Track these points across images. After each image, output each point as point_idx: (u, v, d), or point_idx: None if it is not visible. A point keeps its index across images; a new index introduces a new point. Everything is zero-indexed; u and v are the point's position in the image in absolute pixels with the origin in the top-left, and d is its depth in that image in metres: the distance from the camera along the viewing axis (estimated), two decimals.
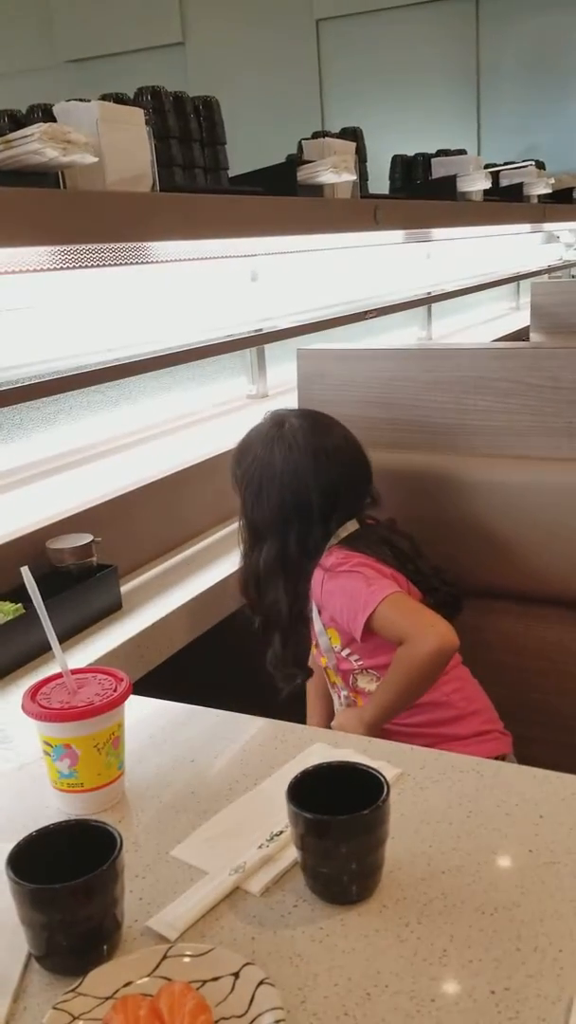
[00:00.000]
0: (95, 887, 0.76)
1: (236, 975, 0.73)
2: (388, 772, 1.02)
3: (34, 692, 1.01)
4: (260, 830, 0.94)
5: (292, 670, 1.62)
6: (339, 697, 1.58)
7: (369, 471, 1.56)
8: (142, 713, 1.21)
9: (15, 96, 2.22)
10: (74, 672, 1.04)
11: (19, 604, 1.38)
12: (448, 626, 1.36)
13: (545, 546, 1.61)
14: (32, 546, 1.55)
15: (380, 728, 1.43)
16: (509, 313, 4.76)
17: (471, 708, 1.51)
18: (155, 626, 1.54)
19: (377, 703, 1.44)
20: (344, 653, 1.49)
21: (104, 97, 1.86)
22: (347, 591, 1.43)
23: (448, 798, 0.99)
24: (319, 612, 1.51)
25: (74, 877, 0.75)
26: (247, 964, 0.74)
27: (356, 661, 1.49)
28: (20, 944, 0.79)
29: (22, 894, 0.76)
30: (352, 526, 1.53)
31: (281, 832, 0.93)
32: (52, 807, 1.02)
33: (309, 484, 1.50)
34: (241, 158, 2.39)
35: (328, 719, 1.66)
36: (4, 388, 1.59)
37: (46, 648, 1.04)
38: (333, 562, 1.47)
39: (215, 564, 1.80)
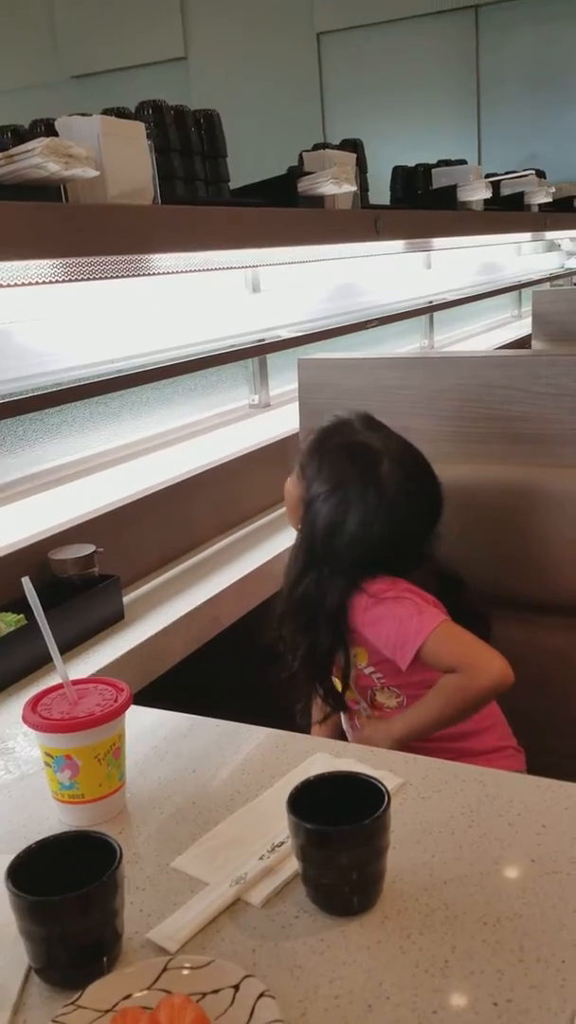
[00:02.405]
0: (95, 899, 0.76)
1: (236, 987, 0.73)
2: (390, 782, 1.02)
3: (35, 703, 1.01)
4: (261, 841, 0.94)
5: (330, 709, 1.55)
6: (352, 716, 1.54)
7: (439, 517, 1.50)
8: (144, 723, 1.21)
9: (22, 111, 2.24)
10: (75, 683, 1.04)
11: (21, 615, 1.39)
12: (505, 661, 1.33)
13: (549, 554, 1.60)
14: (34, 557, 1.55)
15: (406, 745, 1.38)
16: (511, 321, 4.76)
17: (486, 723, 1.47)
18: (157, 636, 1.54)
19: (412, 722, 1.39)
20: (368, 671, 1.46)
21: (106, 111, 1.87)
22: (395, 618, 1.37)
23: (450, 808, 0.98)
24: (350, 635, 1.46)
25: (74, 889, 0.75)
26: (247, 976, 0.73)
27: (379, 679, 1.46)
28: (20, 957, 0.79)
29: (21, 906, 0.75)
30: None
31: (282, 843, 0.92)
32: (53, 818, 1.02)
33: (393, 537, 1.42)
34: (244, 170, 2.40)
35: (334, 729, 1.65)
36: (7, 400, 1.60)
37: (48, 659, 1.04)
38: (378, 588, 1.40)
39: (218, 574, 1.79)
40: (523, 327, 4.23)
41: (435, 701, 1.37)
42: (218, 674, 1.72)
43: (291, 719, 1.52)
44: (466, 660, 1.34)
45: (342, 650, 1.44)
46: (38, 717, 0.98)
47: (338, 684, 1.49)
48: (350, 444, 1.45)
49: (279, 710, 1.53)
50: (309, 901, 0.85)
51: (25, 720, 0.99)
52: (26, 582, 1.03)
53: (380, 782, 0.87)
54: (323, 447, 1.46)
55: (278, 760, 1.11)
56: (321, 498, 1.42)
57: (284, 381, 2.59)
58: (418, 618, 1.36)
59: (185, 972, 0.74)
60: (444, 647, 1.35)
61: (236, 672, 1.76)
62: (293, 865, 0.88)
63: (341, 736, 1.58)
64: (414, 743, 1.39)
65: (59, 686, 1.04)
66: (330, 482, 1.42)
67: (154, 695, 1.47)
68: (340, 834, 0.81)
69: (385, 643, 1.39)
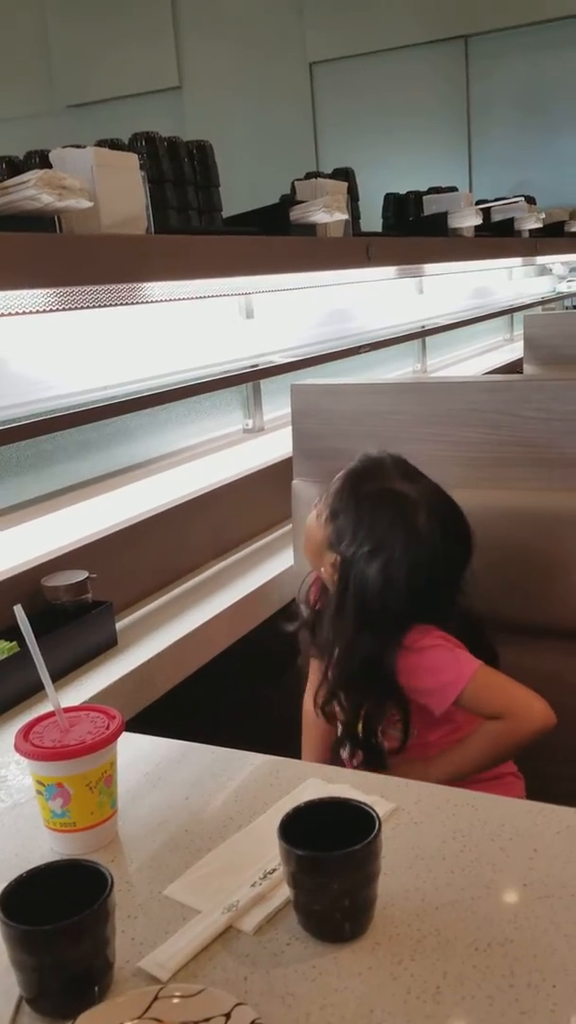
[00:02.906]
0: (85, 927, 0.76)
1: (227, 1016, 0.73)
2: (382, 807, 1.02)
3: (27, 731, 1.02)
4: (253, 868, 0.94)
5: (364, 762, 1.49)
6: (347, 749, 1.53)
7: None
8: (136, 750, 1.21)
9: (17, 141, 2.27)
10: (67, 710, 1.04)
11: (14, 642, 1.39)
12: (545, 703, 1.33)
13: (540, 576, 1.61)
14: (27, 583, 1.55)
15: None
16: (503, 345, 4.79)
17: None
18: (151, 662, 1.54)
19: (454, 767, 1.38)
20: None
21: (100, 143, 1.90)
22: (432, 667, 1.36)
23: (442, 833, 0.99)
24: None
25: (66, 918, 0.75)
26: (238, 1004, 0.73)
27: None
28: (11, 987, 0.79)
29: (12, 936, 0.75)
30: None
31: (275, 870, 0.92)
32: (45, 847, 1.02)
33: (435, 585, 1.40)
34: (238, 198, 2.43)
35: (326, 754, 1.65)
36: (1, 427, 1.61)
37: (41, 687, 1.04)
38: (412, 638, 1.38)
39: (211, 599, 1.80)
40: (515, 351, 4.26)
41: (478, 745, 1.37)
42: (212, 699, 1.72)
43: (285, 745, 1.52)
44: (509, 706, 1.34)
45: (398, 705, 1.40)
46: (30, 745, 0.98)
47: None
48: (386, 493, 1.40)
49: (274, 736, 1.53)
50: (301, 928, 0.85)
51: (17, 748, 0.99)
52: (18, 610, 1.04)
53: (371, 808, 0.87)
54: (358, 494, 1.41)
55: (271, 786, 1.11)
56: (363, 559, 1.37)
57: (279, 406, 2.61)
58: (456, 664, 1.36)
59: (176, 1001, 0.74)
60: (485, 693, 1.35)
61: (231, 697, 1.76)
62: (285, 892, 0.88)
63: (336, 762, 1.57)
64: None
65: (51, 714, 1.04)
66: (371, 540, 1.37)
67: (148, 721, 1.47)
68: (331, 860, 0.82)
69: (422, 691, 1.38)
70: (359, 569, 1.38)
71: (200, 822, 1.05)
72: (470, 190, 5.36)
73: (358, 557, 1.38)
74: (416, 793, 1.06)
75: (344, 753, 1.55)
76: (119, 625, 1.65)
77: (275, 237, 2.23)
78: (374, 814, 0.85)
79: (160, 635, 1.64)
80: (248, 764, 1.18)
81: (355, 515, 1.40)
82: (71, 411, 1.74)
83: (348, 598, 1.39)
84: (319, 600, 1.54)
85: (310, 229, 2.41)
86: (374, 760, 1.44)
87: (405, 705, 1.39)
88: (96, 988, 0.78)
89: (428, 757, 1.43)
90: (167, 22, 6.40)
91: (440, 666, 1.37)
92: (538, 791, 1.44)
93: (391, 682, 1.39)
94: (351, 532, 1.39)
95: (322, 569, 1.45)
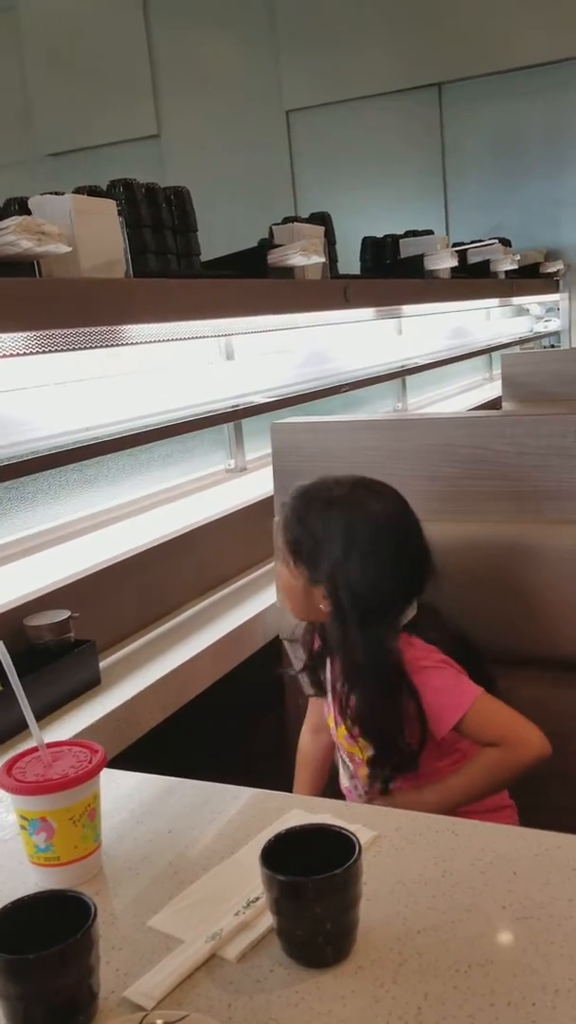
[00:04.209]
0: (69, 956, 0.77)
1: None
2: (364, 835, 1.03)
3: (10, 766, 1.02)
4: (237, 897, 0.94)
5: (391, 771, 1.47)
6: (349, 769, 1.54)
7: None
8: (120, 787, 1.21)
9: None
10: (49, 745, 1.05)
11: None
12: (541, 733, 1.35)
13: (520, 607, 1.63)
14: (10, 623, 1.56)
15: None
16: (483, 384, 4.86)
17: None
18: (134, 700, 1.55)
19: (449, 795, 1.39)
20: None
21: (78, 190, 1.94)
22: (435, 688, 1.38)
23: (423, 858, 1.00)
24: None
25: (49, 948, 0.76)
26: None
27: None
28: None
29: None
30: (412, 610, 1.46)
31: (258, 899, 0.93)
32: (30, 883, 1.02)
33: (404, 558, 1.42)
34: (219, 243, 2.48)
35: (317, 789, 1.65)
36: None
37: (26, 726, 1.05)
38: (416, 654, 1.40)
39: (194, 637, 1.81)
40: (495, 389, 4.32)
41: (474, 773, 1.38)
42: (196, 735, 1.73)
43: (270, 779, 1.52)
44: (506, 735, 1.36)
45: (411, 696, 1.39)
46: (12, 780, 0.99)
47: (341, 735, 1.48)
48: (329, 501, 1.42)
49: (258, 770, 1.53)
50: (284, 955, 0.86)
51: None
52: (0, 647, 1.05)
53: (351, 833, 0.88)
54: (305, 518, 1.43)
55: (254, 818, 1.12)
56: (342, 564, 1.38)
57: (260, 445, 2.63)
58: (457, 689, 1.38)
59: None
60: (484, 720, 1.36)
61: (214, 733, 1.76)
62: (268, 920, 0.88)
63: (331, 795, 1.57)
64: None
65: (34, 749, 1.05)
66: (339, 543, 1.38)
67: (132, 758, 1.47)
68: (312, 884, 0.82)
69: (424, 711, 1.39)
70: (343, 576, 1.39)
71: (184, 855, 1.06)
72: (447, 233, 5.47)
73: (337, 567, 1.39)
74: (397, 821, 1.07)
75: (346, 782, 1.54)
76: (102, 664, 1.65)
77: (252, 280, 2.28)
78: (354, 839, 0.87)
79: (144, 673, 1.65)
80: (231, 797, 1.18)
81: (312, 534, 1.41)
82: (52, 452, 1.76)
83: (346, 605, 1.39)
84: (316, 640, 1.55)
85: (288, 272, 2.46)
86: (404, 763, 1.41)
87: (418, 698, 1.38)
88: (80, 1018, 0.78)
89: (421, 786, 1.43)
90: (145, 72, 6.53)
91: (442, 688, 1.38)
92: (526, 821, 1.45)
93: (400, 671, 1.38)
94: (319, 550, 1.41)
95: (320, 608, 1.44)
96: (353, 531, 1.39)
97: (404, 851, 1.01)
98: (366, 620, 1.39)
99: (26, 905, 0.83)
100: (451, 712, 1.36)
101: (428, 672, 1.39)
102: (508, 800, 1.51)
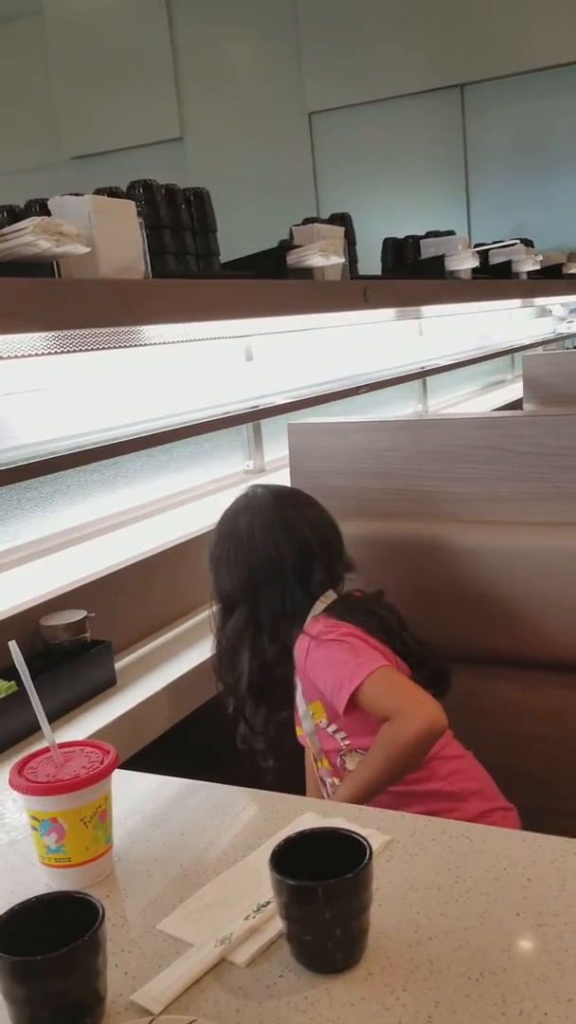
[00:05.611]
0: (76, 958, 0.76)
1: None
2: (376, 839, 1.02)
3: (21, 767, 1.02)
4: (247, 901, 0.94)
5: (261, 746, 1.55)
6: (326, 786, 1.53)
7: (339, 532, 1.56)
8: (133, 788, 1.21)
9: (23, 192, 2.31)
10: (61, 746, 1.05)
11: (12, 682, 1.39)
12: (437, 706, 1.32)
13: (537, 610, 1.62)
14: (26, 623, 1.56)
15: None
16: (505, 385, 4.83)
17: (471, 789, 1.46)
18: (149, 701, 1.55)
19: (355, 782, 1.38)
20: (330, 730, 1.46)
21: (98, 191, 1.94)
22: (333, 661, 1.39)
23: (437, 864, 0.98)
24: (303, 685, 1.47)
25: (56, 950, 0.75)
26: None
27: (343, 740, 1.45)
28: (3, 1021, 0.79)
29: (3, 967, 0.75)
30: (331, 596, 1.51)
31: (268, 903, 0.92)
32: (42, 883, 1.02)
33: (280, 545, 1.49)
34: (240, 244, 2.47)
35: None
36: (1, 469, 1.63)
37: (39, 726, 1.05)
38: (320, 630, 1.43)
39: (210, 639, 1.80)
40: (516, 391, 4.29)
41: (373, 754, 1.36)
42: (212, 738, 1.72)
43: (283, 781, 1.51)
44: (397, 707, 1.33)
45: (271, 673, 1.50)
46: (24, 780, 0.99)
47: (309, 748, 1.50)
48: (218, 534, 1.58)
49: (272, 772, 1.52)
50: (294, 960, 0.85)
51: (11, 783, 0.99)
52: (13, 646, 1.04)
53: (362, 836, 0.87)
54: (220, 553, 1.56)
55: (267, 822, 1.11)
56: (210, 557, 1.56)
57: (280, 447, 2.63)
58: (354, 662, 1.37)
59: None
60: (378, 693, 1.35)
61: (230, 734, 1.75)
62: (278, 925, 0.88)
63: None
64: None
65: (46, 750, 1.04)
66: (212, 543, 1.57)
67: (147, 760, 1.47)
68: (322, 889, 0.81)
69: (325, 687, 1.41)
70: (249, 555, 1.51)
71: (196, 858, 1.05)
72: (469, 234, 5.44)
73: (230, 567, 1.53)
74: (411, 825, 1.06)
75: (326, 779, 1.54)
76: (118, 664, 1.65)
77: (270, 281, 2.27)
78: (365, 843, 0.85)
79: (159, 674, 1.64)
80: (244, 800, 1.18)
81: (214, 566, 1.56)
82: (70, 452, 1.76)
83: (254, 580, 1.51)
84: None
85: (307, 273, 2.45)
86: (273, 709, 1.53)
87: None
88: (87, 1021, 0.78)
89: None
90: (168, 75, 6.56)
91: (340, 662, 1.38)
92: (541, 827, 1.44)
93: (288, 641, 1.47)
94: (221, 558, 1.55)
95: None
96: (236, 527, 1.54)
97: (417, 856, 1.00)
98: (287, 579, 1.51)
99: (33, 907, 0.83)
100: (348, 684, 1.36)
101: (329, 646, 1.41)
102: (496, 804, 1.48)
